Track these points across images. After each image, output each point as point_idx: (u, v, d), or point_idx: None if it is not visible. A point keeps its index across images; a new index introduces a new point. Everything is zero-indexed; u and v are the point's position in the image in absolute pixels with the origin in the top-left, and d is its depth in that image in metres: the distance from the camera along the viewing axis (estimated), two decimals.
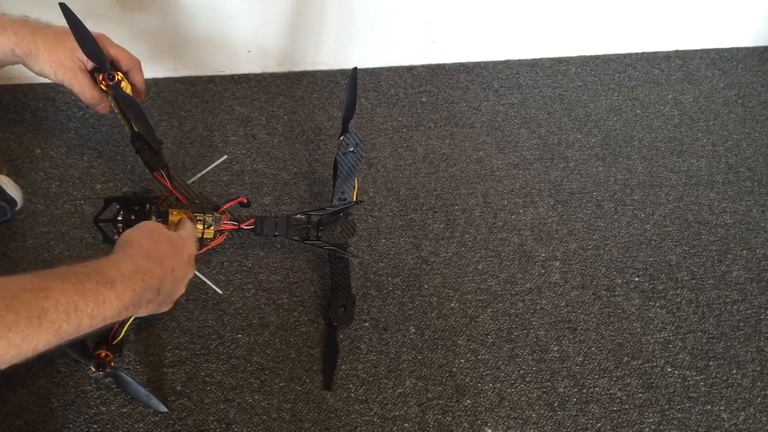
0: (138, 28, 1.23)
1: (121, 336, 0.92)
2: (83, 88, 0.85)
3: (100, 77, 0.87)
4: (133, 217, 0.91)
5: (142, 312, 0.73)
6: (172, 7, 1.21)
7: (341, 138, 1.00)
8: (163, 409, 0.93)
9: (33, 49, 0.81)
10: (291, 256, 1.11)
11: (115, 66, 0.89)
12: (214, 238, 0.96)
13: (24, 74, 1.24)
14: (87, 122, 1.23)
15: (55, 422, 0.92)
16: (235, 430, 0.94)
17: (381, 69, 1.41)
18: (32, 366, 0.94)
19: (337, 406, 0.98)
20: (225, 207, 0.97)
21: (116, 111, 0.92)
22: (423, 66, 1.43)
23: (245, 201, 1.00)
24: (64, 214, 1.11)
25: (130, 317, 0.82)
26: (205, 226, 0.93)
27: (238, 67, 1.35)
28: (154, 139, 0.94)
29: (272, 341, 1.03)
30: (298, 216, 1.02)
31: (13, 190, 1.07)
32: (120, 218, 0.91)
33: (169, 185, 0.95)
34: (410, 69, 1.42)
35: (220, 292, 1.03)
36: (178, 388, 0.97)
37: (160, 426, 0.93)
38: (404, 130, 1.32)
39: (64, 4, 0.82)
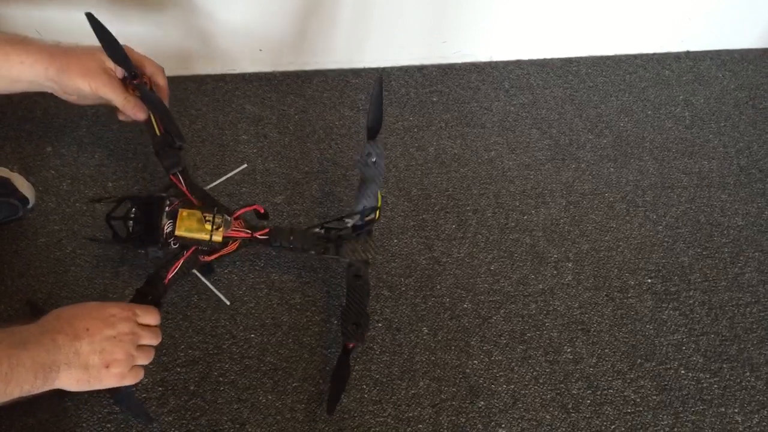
0: (149, 26, 1.22)
1: None
2: (117, 94, 0.88)
3: (126, 81, 0.90)
4: (145, 216, 0.91)
5: (70, 379, 0.73)
6: (182, 6, 1.21)
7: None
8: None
9: (65, 65, 0.84)
10: (303, 255, 1.11)
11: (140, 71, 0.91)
12: (225, 245, 0.93)
13: None
14: (98, 120, 1.22)
15: (69, 422, 0.92)
16: (249, 430, 0.94)
17: (392, 68, 1.41)
18: None
19: (351, 406, 0.97)
20: (239, 213, 0.95)
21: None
22: (434, 65, 1.43)
23: (261, 210, 0.95)
24: (76, 213, 1.11)
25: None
26: (214, 227, 0.91)
27: (248, 65, 1.34)
28: (179, 135, 0.94)
29: (285, 341, 1.02)
30: (317, 230, 0.98)
31: (25, 188, 1.07)
32: (132, 215, 0.91)
33: (185, 188, 0.94)
34: (421, 68, 1.42)
35: (227, 302, 1.01)
36: (192, 387, 0.96)
37: (174, 426, 0.93)
38: (415, 129, 1.32)
39: (90, 13, 0.86)
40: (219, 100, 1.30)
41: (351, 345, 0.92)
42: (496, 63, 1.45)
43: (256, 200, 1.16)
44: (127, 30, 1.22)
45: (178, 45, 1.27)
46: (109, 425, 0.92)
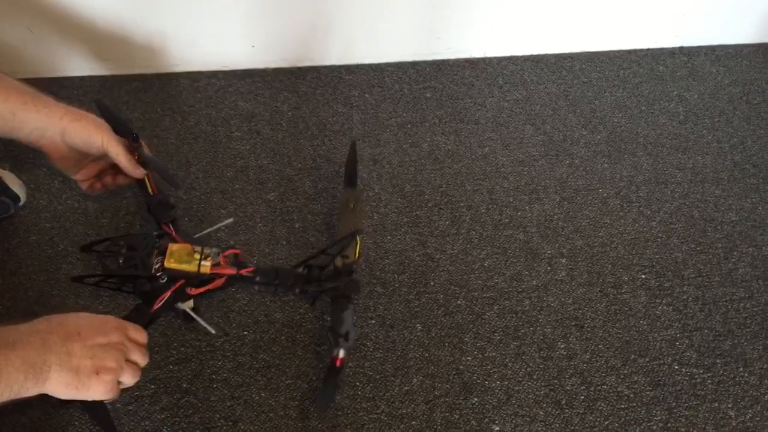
0: (141, 24, 1.22)
1: None
2: (124, 152, 0.94)
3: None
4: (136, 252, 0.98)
5: (60, 382, 0.71)
6: (175, 3, 1.20)
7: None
8: None
9: (82, 116, 0.91)
10: (296, 252, 1.11)
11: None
12: (212, 280, 0.97)
13: (26, 68, 1.24)
14: None
15: (60, 420, 0.91)
16: (242, 427, 0.93)
17: (385, 64, 1.40)
18: None
19: (344, 404, 0.97)
20: (226, 253, 1.00)
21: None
22: (427, 62, 1.42)
23: (241, 258, 1.03)
24: (67, 210, 1.11)
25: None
26: (202, 257, 0.96)
27: (241, 62, 1.34)
28: (175, 184, 1.05)
29: (278, 338, 1.02)
30: (300, 270, 1.01)
31: (16, 186, 1.07)
32: (123, 251, 0.98)
33: (175, 235, 1.01)
34: (414, 64, 1.42)
35: (213, 331, 1.00)
36: (184, 385, 0.96)
37: (166, 424, 0.93)
38: (409, 126, 1.31)
39: (100, 102, 0.99)
40: (212, 97, 1.30)
41: (338, 362, 0.93)
42: (490, 59, 1.45)
43: (249, 197, 1.16)
44: (118, 27, 1.22)
45: (170, 42, 1.27)
46: None
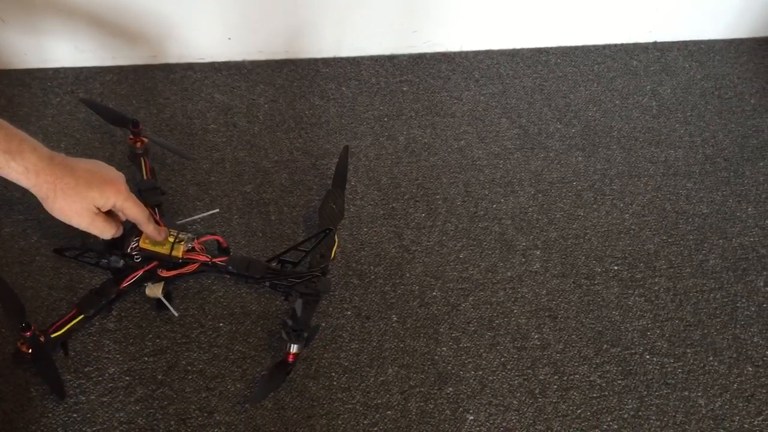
0: (116, 15, 1.21)
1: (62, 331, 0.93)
2: (101, 231, 0.88)
3: (130, 135, 1.08)
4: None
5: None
6: None
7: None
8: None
9: (51, 196, 0.84)
10: (273, 244, 1.11)
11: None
12: (186, 264, 0.98)
13: None
14: (64, 109, 1.21)
15: (34, 412, 0.91)
16: (218, 418, 0.93)
17: (362, 58, 1.41)
18: (9, 356, 0.93)
19: (320, 394, 0.98)
20: (203, 239, 1.00)
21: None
22: (404, 55, 1.43)
23: (224, 244, 1.04)
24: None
25: None
26: (176, 240, 0.97)
27: (217, 54, 1.34)
28: (185, 155, 1.16)
29: (254, 330, 1.02)
30: (274, 264, 1.02)
31: None
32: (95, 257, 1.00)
33: (158, 218, 1.01)
34: (391, 58, 1.42)
35: (176, 314, 1.01)
36: (159, 377, 0.96)
37: (141, 415, 0.92)
38: (385, 119, 1.32)
39: (85, 99, 1.07)
40: (188, 89, 1.29)
41: (291, 358, 0.95)
42: (466, 53, 1.46)
43: (225, 189, 1.16)
44: (93, 18, 1.21)
45: (145, 34, 1.26)
46: (75, 415, 0.91)
